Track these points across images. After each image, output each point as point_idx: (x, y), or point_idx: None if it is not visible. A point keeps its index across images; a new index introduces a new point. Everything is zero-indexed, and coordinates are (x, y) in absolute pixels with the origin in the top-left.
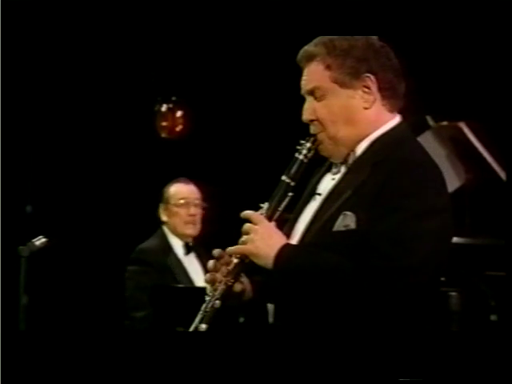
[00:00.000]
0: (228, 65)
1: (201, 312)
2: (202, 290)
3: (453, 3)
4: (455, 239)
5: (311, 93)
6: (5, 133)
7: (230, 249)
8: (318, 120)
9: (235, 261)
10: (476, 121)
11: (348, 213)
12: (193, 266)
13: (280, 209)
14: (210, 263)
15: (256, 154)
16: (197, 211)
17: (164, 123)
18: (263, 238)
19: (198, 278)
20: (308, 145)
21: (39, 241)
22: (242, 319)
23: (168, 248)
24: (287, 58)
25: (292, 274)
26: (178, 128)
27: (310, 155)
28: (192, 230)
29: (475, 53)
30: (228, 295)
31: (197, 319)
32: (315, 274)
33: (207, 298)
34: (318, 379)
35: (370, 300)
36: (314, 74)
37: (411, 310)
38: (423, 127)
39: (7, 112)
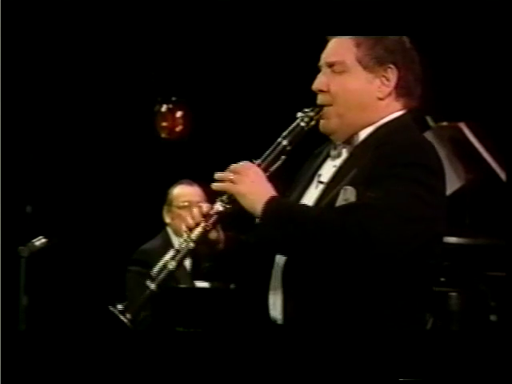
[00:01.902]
0: (228, 65)
1: (173, 249)
2: (203, 290)
3: (452, 4)
4: (455, 239)
5: (331, 65)
6: (5, 133)
7: (217, 184)
8: (329, 93)
9: (220, 208)
10: (476, 121)
11: (348, 187)
12: None
13: (271, 169)
14: (194, 211)
15: (256, 155)
16: None
17: (164, 124)
18: (254, 181)
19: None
20: (311, 114)
21: (39, 241)
22: (232, 286)
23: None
24: (286, 58)
25: (281, 220)
26: (178, 128)
27: (311, 124)
28: None
29: (475, 53)
30: (203, 240)
31: (167, 256)
32: (303, 219)
33: (181, 240)
34: (314, 374)
35: (353, 249)
36: (340, 48)
37: (396, 281)
38: (423, 127)
39: (7, 112)
